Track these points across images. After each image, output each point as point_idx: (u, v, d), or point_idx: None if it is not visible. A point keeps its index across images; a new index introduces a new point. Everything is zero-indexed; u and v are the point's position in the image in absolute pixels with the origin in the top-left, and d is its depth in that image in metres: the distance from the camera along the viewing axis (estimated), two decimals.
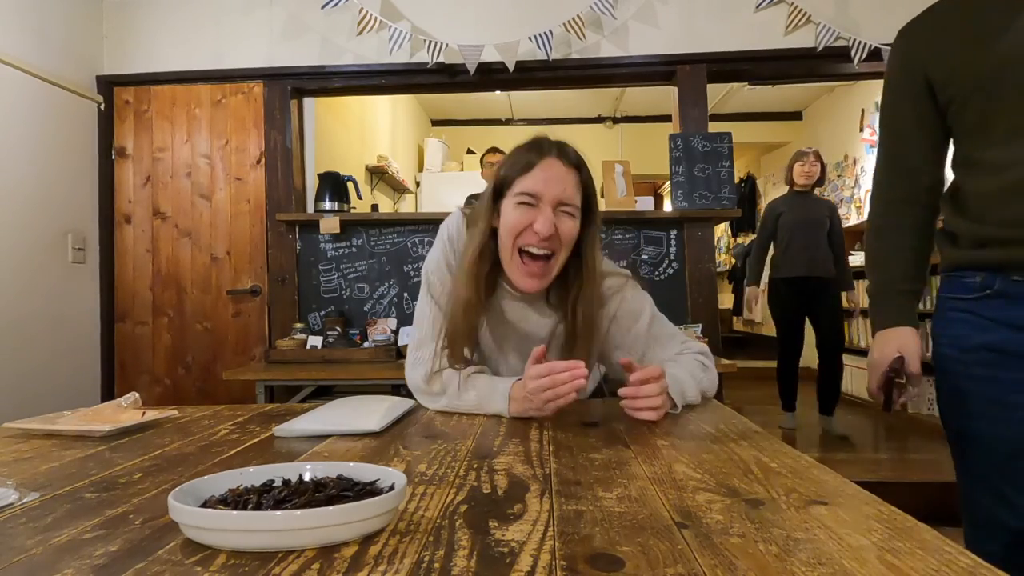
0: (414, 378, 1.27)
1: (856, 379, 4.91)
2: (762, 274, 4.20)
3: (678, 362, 1.24)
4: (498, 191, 1.19)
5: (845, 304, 4.13)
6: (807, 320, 4.01)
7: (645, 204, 3.33)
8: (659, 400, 1.06)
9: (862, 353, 4.86)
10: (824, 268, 3.88)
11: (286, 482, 0.64)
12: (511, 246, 1.16)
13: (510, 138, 5.15)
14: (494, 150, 4.11)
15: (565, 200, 1.14)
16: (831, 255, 3.91)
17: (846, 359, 5.07)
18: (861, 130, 5.67)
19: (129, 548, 0.57)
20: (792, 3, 3.06)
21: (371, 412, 1.13)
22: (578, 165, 1.18)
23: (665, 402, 1.08)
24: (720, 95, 5.93)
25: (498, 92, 5.63)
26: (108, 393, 3.21)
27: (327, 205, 3.18)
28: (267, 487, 0.63)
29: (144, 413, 1.17)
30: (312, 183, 3.38)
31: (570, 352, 1.20)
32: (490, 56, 3.05)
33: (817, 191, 4.12)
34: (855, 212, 5.61)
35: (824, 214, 3.94)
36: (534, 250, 1.15)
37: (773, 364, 6.72)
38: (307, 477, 0.66)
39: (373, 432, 1.03)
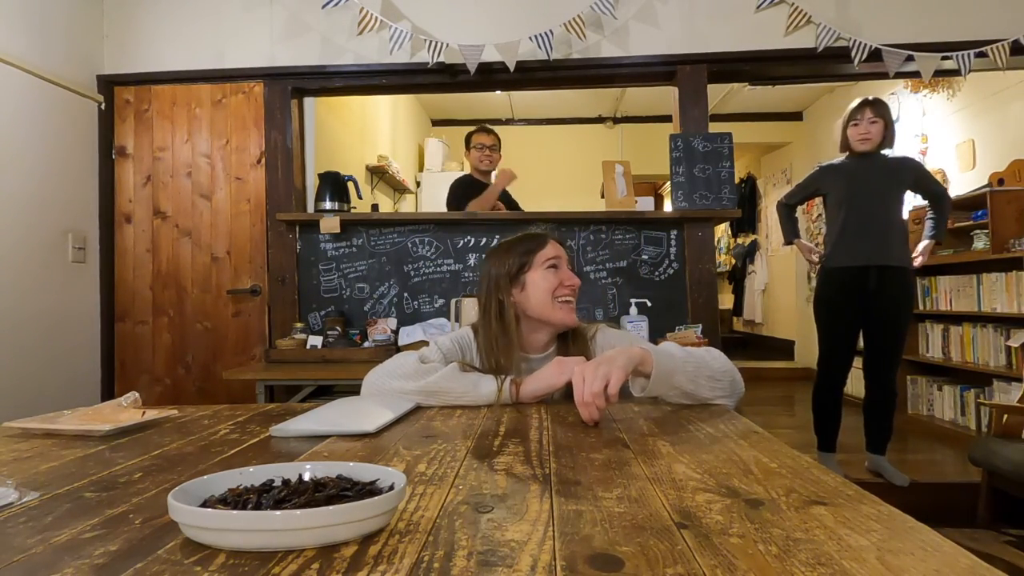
0: (405, 360, 1.36)
1: (854, 379, 4.90)
2: (797, 227, 3.33)
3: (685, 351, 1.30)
4: (514, 274, 1.48)
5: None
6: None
7: (645, 204, 3.33)
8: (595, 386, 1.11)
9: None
10: (897, 254, 2.93)
11: (286, 482, 0.64)
12: (550, 300, 1.46)
13: (510, 138, 5.14)
14: (482, 130, 3.62)
15: (569, 261, 1.55)
16: (906, 236, 2.99)
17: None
18: None
19: (129, 548, 0.57)
20: (792, 3, 3.06)
21: (368, 413, 1.13)
22: (561, 242, 1.57)
23: (604, 378, 1.11)
24: (720, 95, 5.93)
25: (498, 92, 5.64)
26: (108, 393, 3.21)
27: (327, 205, 3.18)
28: (267, 487, 0.63)
29: (144, 413, 1.17)
30: (312, 183, 3.38)
31: None
32: (490, 56, 3.05)
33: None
34: None
35: (903, 177, 2.99)
36: (566, 298, 1.48)
37: (773, 365, 6.78)
38: (307, 477, 0.66)
39: (368, 434, 1.03)
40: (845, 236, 2.98)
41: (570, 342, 1.50)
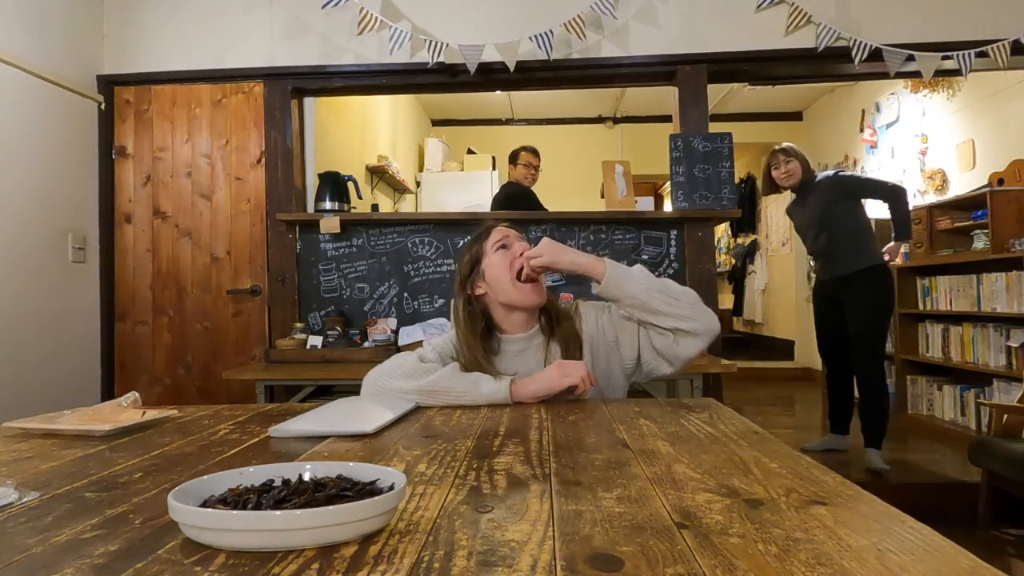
0: (404, 360, 1.37)
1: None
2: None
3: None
4: (472, 268, 1.50)
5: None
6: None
7: (645, 204, 3.33)
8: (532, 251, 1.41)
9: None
10: (844, 263, 3.26)
11: (286, 482, 0.64)
12: (510, 281, 1.45)
13: (510, 138, 5.20)
14: (528, 150, 4.09)
15: (521, 239, 1.53)
16: (859, 242, 3.26)
17: None
18: (861, 131, 5.67)
19: (129, 548, 0.57)
20: (792, 3, 3.06)
21: (367, 414, 1.13)
22: (513, 228, 1.57)
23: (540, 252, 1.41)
24: (720, 95, 5.93)
25: (498, 92, 5.64)
26: (108, 392, 3.21)
27: (327, 205, 3.18)
28: (267, 487, 0.63)
29: (144, 413, 1.17)
30: (312, 183, 3.38)
31: (568, 354, 1.46)
32: (490, 56, 3.05)
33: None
34: None
35: (830, 195, 3.30)
36: (527, 273, 1.45)
37: (773, 365, 6.78)
38: (307, 477, 0.66)
39: (367, 434, 1.03)
40: (809, 258, 3.59)
41: (553, 320, 1.50)
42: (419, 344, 2.19)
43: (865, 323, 3.24)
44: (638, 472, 0.79)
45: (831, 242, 3.30)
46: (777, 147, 3.44)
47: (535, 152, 4.11)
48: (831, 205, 3.29)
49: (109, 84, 3.29)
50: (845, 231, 3.28)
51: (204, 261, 3.28)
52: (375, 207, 4.27)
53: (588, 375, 1.31)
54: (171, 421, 1.20)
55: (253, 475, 0.67)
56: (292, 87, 3.27)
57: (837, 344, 3.41)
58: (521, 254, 1.45)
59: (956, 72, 3.10)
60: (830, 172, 3.46)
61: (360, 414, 1.15)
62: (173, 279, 3.28)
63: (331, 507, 0.56)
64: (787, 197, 3.68)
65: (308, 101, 3.42)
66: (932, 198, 4.61)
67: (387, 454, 0.91)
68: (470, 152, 6.23)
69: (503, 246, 1.48)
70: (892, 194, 3.30)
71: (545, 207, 3.91)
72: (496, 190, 4.12)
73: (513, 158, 4.10)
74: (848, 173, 3.74)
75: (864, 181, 3.52)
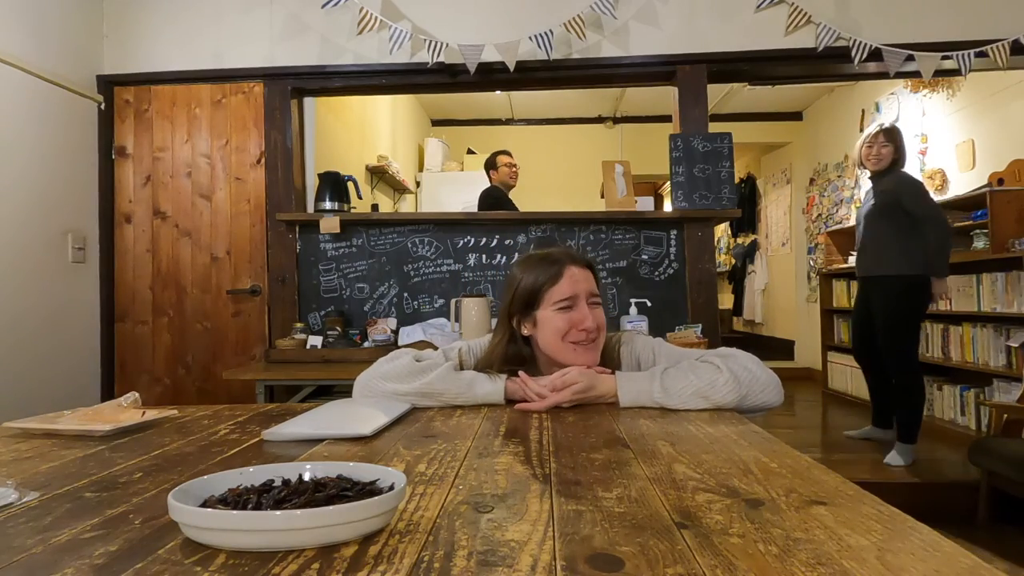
0: (398, 361, 1.32)
1: (855, 378, 4.90)
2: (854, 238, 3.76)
3: (677, 367, 1.26)
4: (529, 302, 1.34)
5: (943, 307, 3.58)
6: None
7: (645, 204, 3.33)
8: (552, 396, 1.22)
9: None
10: (878, 264, 3.28)
11: (286, 482, 0.64)
12: (560, 343, 1.32)
13: (510, 138, 5.23)
14: (504, 152, 4.28)
15: (592, 293, 1.35)
16: (897, 247, 3.22)
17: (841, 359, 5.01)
18: (861, 131, 5.66)
19: (129, 548, 0.57)
20: (792, 3, 3.06)
21: (362, 416, 1.13)
22: (589, 264, 1.39)
23: (560, 399, 1.22)
24: (720, 95, 5.93)
25: (498, 92, 5.63)
26: (108, 392, 3.21)
27: (327, 205, 3.18)
28: (267, 487, 0.63)
29: (144, 413, 1.17)
30: (312, 183, 3.38)
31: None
32: (490, 56, 3.05)
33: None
34: (854, 212, 5.60)
35: (888, 200, 3.24)
36: (583, 341, 1.32)
37: (773, 365, 6.75)
38: (307, 477, 0.66)
39: (365, 437, 1.02)
40: (858, 248, 3.48)
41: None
42: (420, 344, 2.18)
43: (890, 325, 3.26)
44: (638, 472, 0.79)
45: (876, 243, 3.29)
46: (883, 125, 3.34)
47: (508, 153, 4.32)
48: (891, 205, 3.24)
49: (109, 84, 3.29)
50: (892, 233, 3.23)
51: (204, 261, 3.28)
52: (375, 207, 4.27)
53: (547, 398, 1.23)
54: (171, 421, 1.20)
55: (253, 475, 0.67)
56: (292, 87, 3.27)
57: (867, 343, 3.49)
58: (583, 329, 1.30)
59: (956, 72, 3.10)
60: (912, 172, 3.43)
61: (356, 416, 1.15)
62: (173, 279, 3.28)
63: (331, 507, 0.56)
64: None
65: (308, 101, 3.42)
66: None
67: (387, 454, 0.91)
68: (470, 152, 6.22)
69: (568, 306, 1.31)
70: (928, 219, 3.15)
71: (516, 206, 4.04)
72: None
73: (492, 164, 4.25)
74: (913, 176, 3.55)
75: (917, 190, 3.28)
